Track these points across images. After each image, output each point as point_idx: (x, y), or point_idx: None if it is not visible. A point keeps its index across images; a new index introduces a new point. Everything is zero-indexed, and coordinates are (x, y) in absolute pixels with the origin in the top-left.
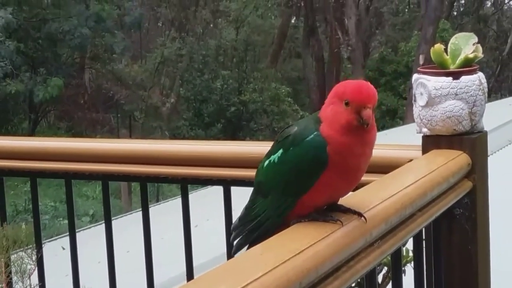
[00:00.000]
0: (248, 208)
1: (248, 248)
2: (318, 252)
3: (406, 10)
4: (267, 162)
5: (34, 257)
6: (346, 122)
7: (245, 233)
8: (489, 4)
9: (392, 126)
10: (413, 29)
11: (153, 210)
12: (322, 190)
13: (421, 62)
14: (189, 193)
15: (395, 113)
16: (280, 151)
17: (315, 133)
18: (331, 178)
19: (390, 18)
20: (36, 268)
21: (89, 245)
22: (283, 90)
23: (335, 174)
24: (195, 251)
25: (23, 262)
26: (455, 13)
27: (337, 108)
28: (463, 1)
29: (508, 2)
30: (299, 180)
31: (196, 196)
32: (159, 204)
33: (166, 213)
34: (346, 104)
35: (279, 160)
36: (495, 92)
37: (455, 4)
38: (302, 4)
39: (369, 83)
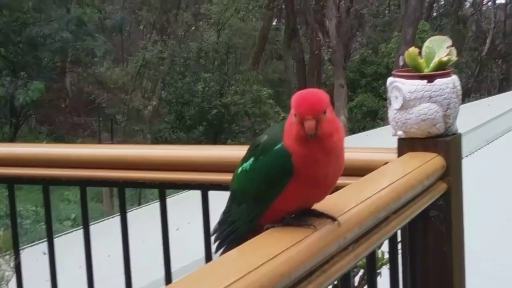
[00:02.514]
0: (225, 213)
1: (223, 253)
2: (291, 257)
3: (387, 11)
4: (240, 169)
5: (12, 264)
6: (295, 133)
7: (222, 238)
8: (468, 5)
9: (373, 127)
10: (394, 30)
11: (135, 213)
12: (292, 197)
13: (400, 63)
14: (171, 195)
15: (375, 114)
16: (252, 159)
17: (281, 143)
18: (298, 186)
19: (371, 20)
20: (15, 274)
21: (71, 249)
22: (265, 92)
23: (302, 183)
24: (176, 254)
25: (1, 268)
26: (434, 14)
27: (291, 119)
28: (442, 2)
29: (486, 3)
30: (268, 188)
31: (178, 199)
32: (141, 207)
33: (147, 217)
34: (295, 115)
35: (250, 168)
36: (474, 92)
37: (434, 5)
38: (283, 7)
39: (318, 91)
